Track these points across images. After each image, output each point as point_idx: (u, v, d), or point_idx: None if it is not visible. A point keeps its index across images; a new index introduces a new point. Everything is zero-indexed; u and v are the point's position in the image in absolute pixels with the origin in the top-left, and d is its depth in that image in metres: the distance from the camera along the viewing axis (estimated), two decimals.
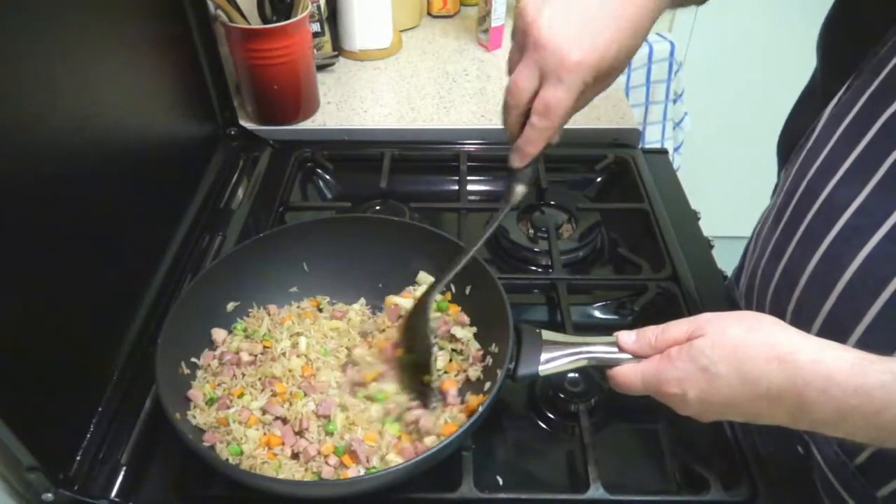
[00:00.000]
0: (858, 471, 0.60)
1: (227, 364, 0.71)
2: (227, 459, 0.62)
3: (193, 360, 0.71)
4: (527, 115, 0.61)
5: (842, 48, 0.68)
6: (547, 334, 0.63)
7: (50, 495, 0.60)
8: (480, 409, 0.61)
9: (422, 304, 0.69)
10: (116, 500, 0.63)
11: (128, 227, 0.76)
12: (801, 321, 0.63)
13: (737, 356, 0.50)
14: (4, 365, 0.55)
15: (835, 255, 0.60)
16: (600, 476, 0.63)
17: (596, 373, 0.72)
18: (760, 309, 0.72)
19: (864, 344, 0.57)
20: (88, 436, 0.65)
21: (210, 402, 0.67)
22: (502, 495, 0.64)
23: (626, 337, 0.58)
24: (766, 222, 0.73)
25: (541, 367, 0.61)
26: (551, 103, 0.58)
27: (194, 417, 0.65)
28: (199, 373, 0.70)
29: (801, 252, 0.64)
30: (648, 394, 0.56)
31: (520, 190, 0.66)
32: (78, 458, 0.63)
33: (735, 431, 0.67)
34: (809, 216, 0.63)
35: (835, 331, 0.59)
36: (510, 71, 0.61)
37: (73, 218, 0.65)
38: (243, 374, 0.70)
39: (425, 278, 0.78)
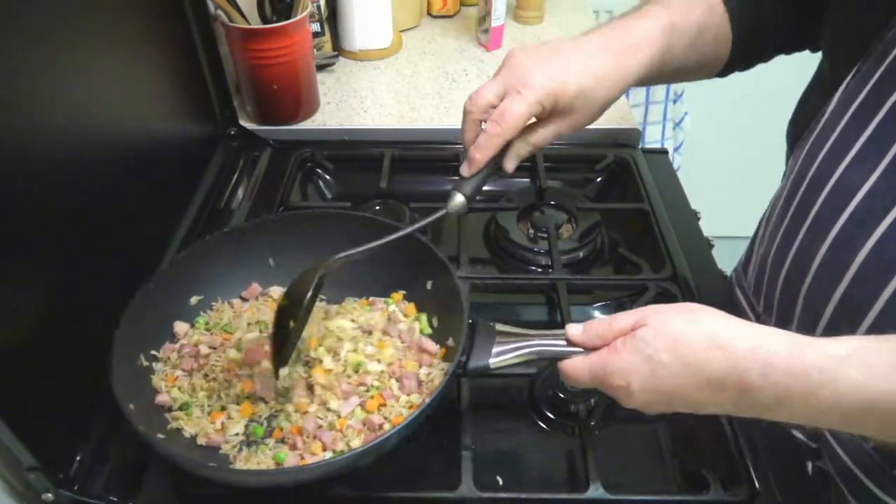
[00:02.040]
0: (874, 450, 0.61)
1: (186, 357, 0.71)
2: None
3: (153, 352, 0.71)
4: (479, 126, 0.67)
5: (847, 36, 0.68)
6: (501, 327, 0.63)
7: (50, 495, 0.60)
8: (428, 399, 0.61)
9: (317, 264, 0.66)
10: (116, 500, 0.63)
11: (128, 227, 0.76)
12: (814, 307, 0.64)
13: (678, 345, 0.51)
14: (5, 365, 0.55)
15: (846, 239, 0.60)
16: (600, 476, 0.63)
17: None
18: (770, 297, 0.72)
19: (879, 326, 0.57)
20: (88, 436, 0.65)
21: (184, 407, 0.67)
22: (502, 495, 0.64)
23: (574, 329, 0.58)
24: (773, 210, 0.73)
25: (491, 361, 0.61)
26: (506, 112, 0.64)
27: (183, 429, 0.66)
28: (159, 366, 0.70)
29: (812, 238, 0.64)
30: (595, 386, 0.56)
31: (458, 199, 0.67)
32: (78, 458, 0.63)
33: (735, 431, 0.67)
34: (819, 201, 0.63)
35: (848, 315, 0.60)
36: None
37: (73, 218, 0.65)
38: (201, 367, 0.71)
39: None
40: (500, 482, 0.66)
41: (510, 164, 0.69)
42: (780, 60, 0.82)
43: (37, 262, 0.60)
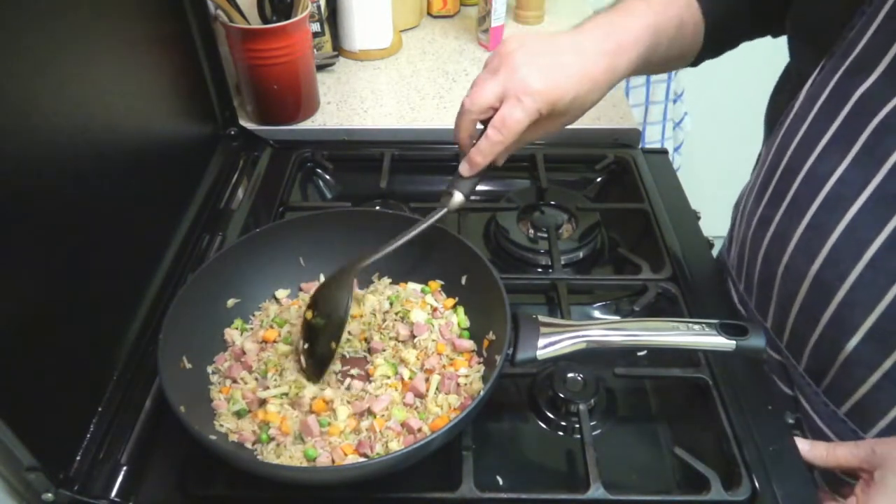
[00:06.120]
0: (847, 416, 0.66)
1: (235, 363, 0.72)
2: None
3: (196, 356, 0.71)
4: (475, 126, 0.69)
5: (811, 33, 0.72)
6: (544, 319, 0.65)
7: (50, 495, 0.60)
8: (481, 393, 0.61)
9: (346, 273, 0.69)
10: (116, 500, 0.63)
11: (128, 227, 0.76)
12: (790, 284, 0.68)
13: None
14: (4, 365, 0.55)
15: (820, 223, 0.64)
16: (600, 476, 0.63)
17: (597, 372, 0.73)
18: (751, 276, 0.76)
19: (849, 302, 0.62)
20: (88, 436, 0.65)
21: (241, 413, 0.67)
22: (502, 495, 0.64)
23: (802, 446, 0.65)
24: (750, 194, 0.77)
25: (539, 352, 0.63)
26: (507, 120, 0.65)
27: (222, 426, 0.66)
28: (216, 377, 0.71)
29: (788, 221, 0.68)
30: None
31: (458, 198, 0.70)
32: (78, 458, 0.63)
33: (735, 431, 0.67)
34: (794, 187, 0.67)
35: (822, 291, 0.64)
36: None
37: (73, 218, 0.65)
38: (251, 371, 0.71)
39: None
40: (500, 482, 0.66)
41: (501, 160, 0.72)
42: (781, 61, 0.82)
43: (36, 263, 0.60)
